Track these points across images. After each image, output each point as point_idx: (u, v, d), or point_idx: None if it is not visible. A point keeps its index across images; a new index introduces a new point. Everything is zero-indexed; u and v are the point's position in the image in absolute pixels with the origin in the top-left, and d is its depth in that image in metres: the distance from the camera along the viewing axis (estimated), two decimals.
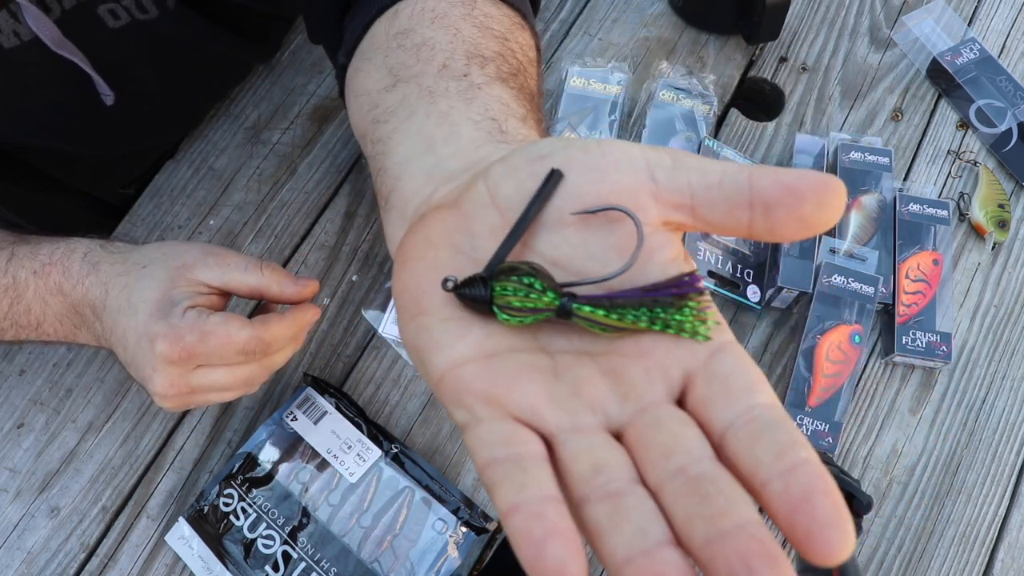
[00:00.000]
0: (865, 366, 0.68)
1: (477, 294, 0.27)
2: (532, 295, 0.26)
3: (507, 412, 0.26)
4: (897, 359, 0.67)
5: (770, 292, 0.67)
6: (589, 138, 0.31)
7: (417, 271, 0.30)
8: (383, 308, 0.69)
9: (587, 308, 0.26)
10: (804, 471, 0.23)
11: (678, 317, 0.26)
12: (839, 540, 0.22)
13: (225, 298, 0.53)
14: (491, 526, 0.61)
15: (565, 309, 0.26)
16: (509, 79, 0.42)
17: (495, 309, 0.27)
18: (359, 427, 0.63)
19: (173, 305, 0.48)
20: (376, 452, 0.62)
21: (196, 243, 0.54)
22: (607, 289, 0.27)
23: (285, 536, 0.60)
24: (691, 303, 0.27)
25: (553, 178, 0.28)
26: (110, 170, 0.78)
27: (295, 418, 0.64)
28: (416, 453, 0.64)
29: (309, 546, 0.60)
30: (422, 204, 0.34)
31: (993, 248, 0.72)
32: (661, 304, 0.26)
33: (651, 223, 0.28)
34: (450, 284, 0.28)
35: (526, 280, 0.26)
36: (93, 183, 0.79)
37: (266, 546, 0.60)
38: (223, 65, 0.74)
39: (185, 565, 0.61)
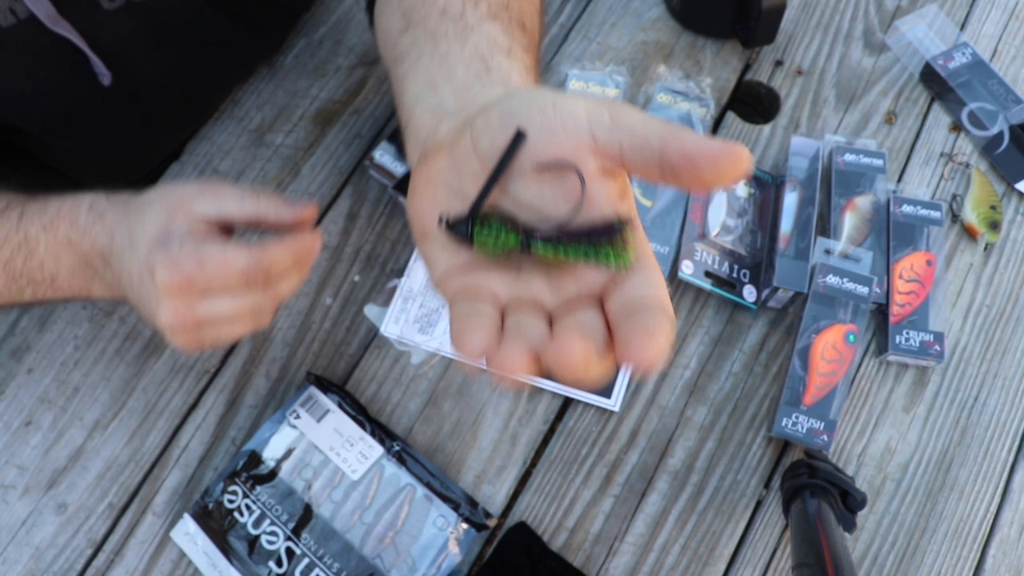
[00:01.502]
0: (859, 365, 0.69)
1: (461, 234, 0.37)
2: (501, 236, 0.36)
3: (478, 295, 0.37)
4: (891, 358, 0.68)
5: (766, 292, 0.68)
6: (550, 93, 0.36)
7: (422, 203, 0.40)
8: (385, 307, 0.70)
9: (540, 245, 0.36)
10: (648, 314, 0.33)
11: (605, 252, 0.36)
12: (652, 340, 0.32)
13: (227, 234, 0.52)
14: (491, 523, 0.62)
15: (525, 246, 0.36)
16: (500, 13, 0.49)
17: (475, 245, 0.37)
18: (361, 425, 0.64)
19: (171, 236, 0.48)
20: (378, 450, 0.63)
21: (193, 181, 0.54)
22: (557, 230, 0.36)
23: (288, 532, 0.61)
24: (615, 241, 0.36)
25: (518, 140, 0.36)
26: (113, 169, 0.78)
27: (298, 416, 0.65)
28: (417, 451, 0.65)
29: (312, 542, 0.61)
30: (429, 138, 0.42)
31: (985, 249, 0.73)
32: (593, 242, 0.36)
33: (591, 172, 0.36)
34: (442, 224, 0.38)
35: (495, 225, 0.37)
36: (96, 182, 0.79)
37: (270, 542, 0.61)
38: (224, 56, 0.74)
39: (190, 561, 0.62)
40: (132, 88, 0.66)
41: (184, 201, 0.50)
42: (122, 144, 0.73)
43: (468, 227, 0.37)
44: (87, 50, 0.60)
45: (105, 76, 0.63)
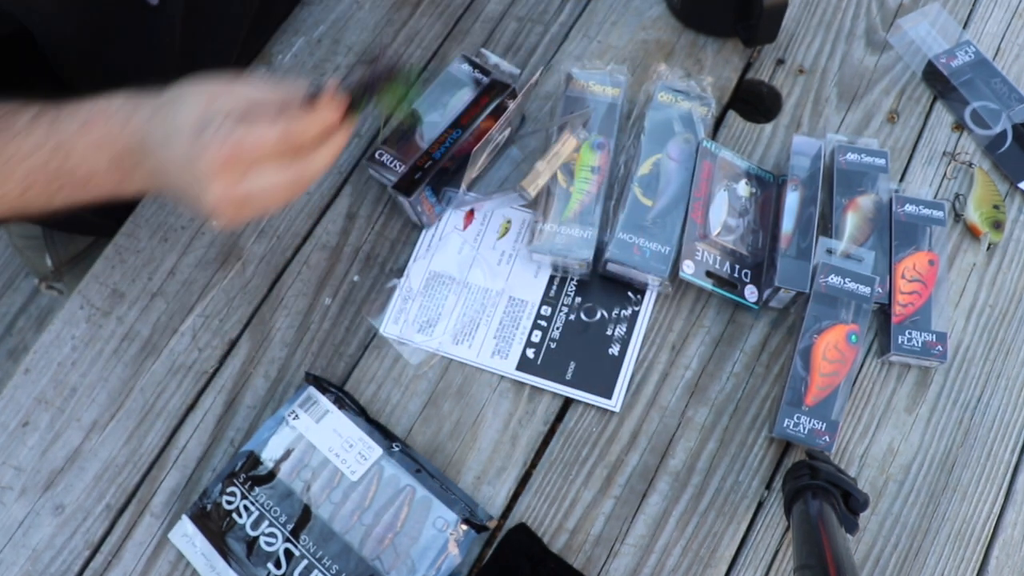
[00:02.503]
0: (862, 365, 0.68)
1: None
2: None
3: None
4: (893, 358, 0.68)
5: (767, 292, 0.68)
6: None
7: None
8: (384, 307, 0.69)
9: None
10: None
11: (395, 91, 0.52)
12: None
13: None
14: (492, 524, 0.62)
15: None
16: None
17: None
18: (360, 426, 0.64)
19: (208, 123, 0.51)
20: (377, 450, 0.63)
21: (215, 77, 0.56)
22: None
23: (287, 534, 0.61)
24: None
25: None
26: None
27: (297, 417, 0.64)
28: (417, 452, 0.65)
29: (311, 544, 0.61)
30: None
31: (988, 249, 0.72)
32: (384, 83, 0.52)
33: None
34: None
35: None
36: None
37: (268, 544, 0.61)
38: None
39: (188, 562, 0.62)
40: (177, 8, 0.68)
41: (219, 89, 0.53)
42: (162, 72, 0.74)
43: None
44: None
45: None
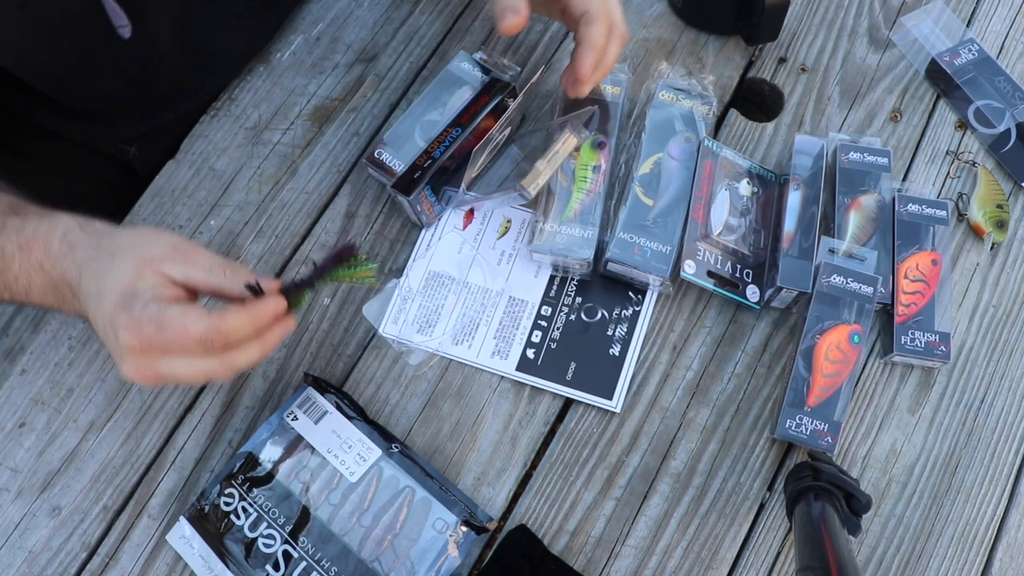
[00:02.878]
0: (864, 366, 0.68)
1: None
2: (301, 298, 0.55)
3: None
4: (896, 359, 0.67)
5: (769, 292, 0.67)
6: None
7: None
8: (384, 307, 0.69)
9: (310, 286, 0.54)
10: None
11: (350, 272, 0.54)
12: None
13: (192, 294, 0.54)
14: (492, 526, 0.62)
15: (307, 287, 0.54)
16: None
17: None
18: (359, 427, 0.64)
19: (136, 297, 0.50)
20: (376, 451, 0.63)
21: (168, 235, 0.55)
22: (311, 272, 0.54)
23: (286, 535, 0.60)
24: (352, 261, 0.54)
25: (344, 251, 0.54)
26: (110, 131, 0.77)
27: (296, 418, 0.64)
28: (416, 453, 0.64)
29: (310, 545, 0.60)
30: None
31: (992, 248, 0.72)
32: (337, 268, 0.53)
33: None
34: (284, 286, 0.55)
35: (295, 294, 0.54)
36: (95, 130, 0.79)
37: (267, 545, 0.60)
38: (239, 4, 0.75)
39: (186, 564, 0.61)
40: (150, 40, 0.68)
41: (154, 260, 0.52)
42: (132, 98, 0.74)
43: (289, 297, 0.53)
44: (111, 2, 0.62)
45: (126, 28, 0.64)
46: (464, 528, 0.60)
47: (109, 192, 0.79)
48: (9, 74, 0.64)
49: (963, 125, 0.77)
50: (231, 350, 0.51)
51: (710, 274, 0.68)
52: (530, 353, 0.68)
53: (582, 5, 0.62)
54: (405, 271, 0.70)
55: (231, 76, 0.78)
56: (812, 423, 0.63)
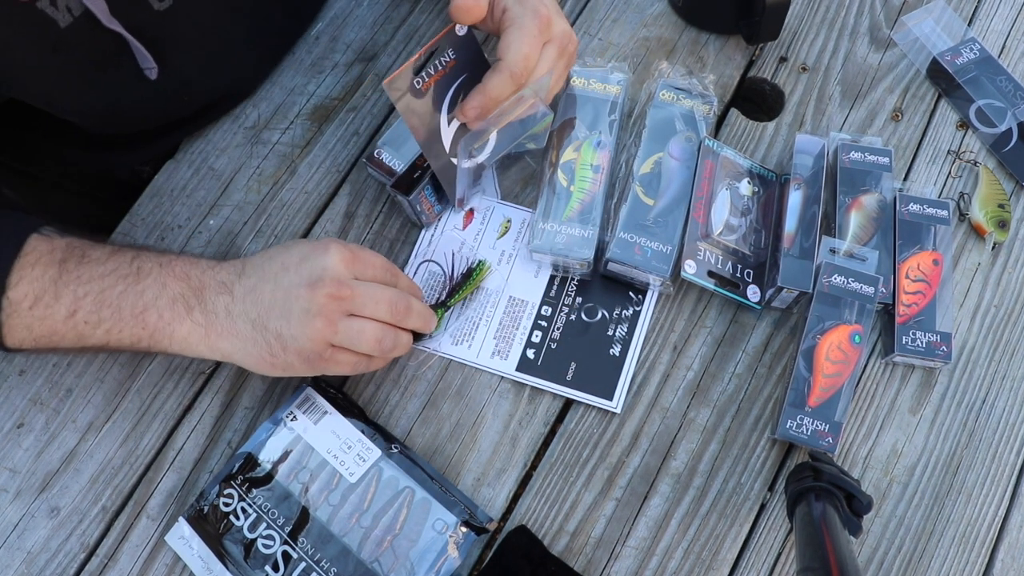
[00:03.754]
0: (865, 366, 0.68)
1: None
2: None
3: None
4: (897, 359, 0.67)
5: (770, 292, 0.67)
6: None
7: None
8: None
9: (450, 302, 0.66)
10: None
11: (473, 281, 0.66)
12: None
13: None
14: (492, 527, 0.61)
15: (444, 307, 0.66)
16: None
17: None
18: (359, 427, 0.63)
19: (329, 274, 0.57)
20: (376, 452, 0.62)
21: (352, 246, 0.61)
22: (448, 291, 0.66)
23: (285, 536, 0.60)
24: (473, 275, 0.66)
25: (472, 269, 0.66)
26: (137, 145, 0.78)
27: (295, 418, 0.64)
28: (416, 453, 0.64)
29: (309, 546, 0.60)
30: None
31: (993, 248, 0.72)
32: (466, 283, 0.66)
33: None
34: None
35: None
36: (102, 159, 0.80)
37: (266, 546, 0.60)
38: (260, 40, 0.77)
39: (185, 565, 0.61)
40: (177, 80, 0.69)
41: (353, 255, 0.59)
42: (157, 129, 0.76)
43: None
44: (139, 46, 0.63)
45: (152, 70, 0.66)
46: (464, 529, 0.60)
47: (115, 206, 0.79)
48: (31, 108, 0.66)
49: (964, 124, 0.76)
50: (402, 327, 0.60)
51: (711, 274, 0.67)
52: (530, 353, 0.67)
53: (503, 42, 0.60)
54: (405, 271, 0.70)
55: (250, 94, 0.78)
56: (813, 423, 0.62)
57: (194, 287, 0.58)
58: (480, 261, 0.65)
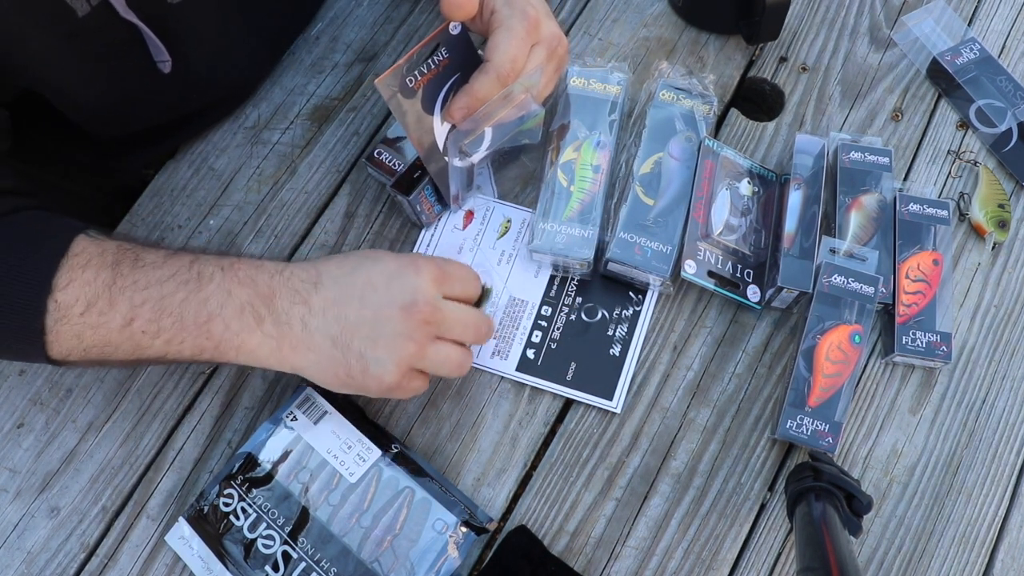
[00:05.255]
0: (865, 366, 0.68)
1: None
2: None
3: None
4: (897, 359, 0.67)
5: (770, 292, 0.67)
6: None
7: None
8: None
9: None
10: None
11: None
12: None
13: None
14: (492, 527, 0.61)
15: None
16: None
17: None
18: (359, 427, 0.63)
19: (419, 292, 0.56)
20: (376, 452, 0.62)
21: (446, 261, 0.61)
22: None
23: (285, 536, 0.60)
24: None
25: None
26: (143, 146, 0.77)
27: (295, 418, 0.64)
28: (416, 453, 0.64)
29: (309, 546, 0.60)
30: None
31: (993, 248, 0.72)
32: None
33: None
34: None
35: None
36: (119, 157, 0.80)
37: (266, 546, 0.60)
38: (267, 36, 0.76)
39: (185, 565, 0.61)
40: (189, 74, 0.69)
41: (441, 273, 0.58)
42: (164, 127, 0.75)
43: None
44: (154, 37, 0.63)
45: (166, 63, 0.65)
46: (464, 529, 0.60)
47: (116, 207, 0.79)
48: (36, 107, 0.66)
49: (964, 124, 0.76)
50: (482, 341, 0.61)
51: (711, 274, 0.67)
52: (530, 353, 0.67)
53: (490, 43, 0.60)
54: None
55: (252, 93, 0.79)
56: (813, 423, 0.62)
57: (262, 294, 0.54)
58: (487, 289, 0.63)
